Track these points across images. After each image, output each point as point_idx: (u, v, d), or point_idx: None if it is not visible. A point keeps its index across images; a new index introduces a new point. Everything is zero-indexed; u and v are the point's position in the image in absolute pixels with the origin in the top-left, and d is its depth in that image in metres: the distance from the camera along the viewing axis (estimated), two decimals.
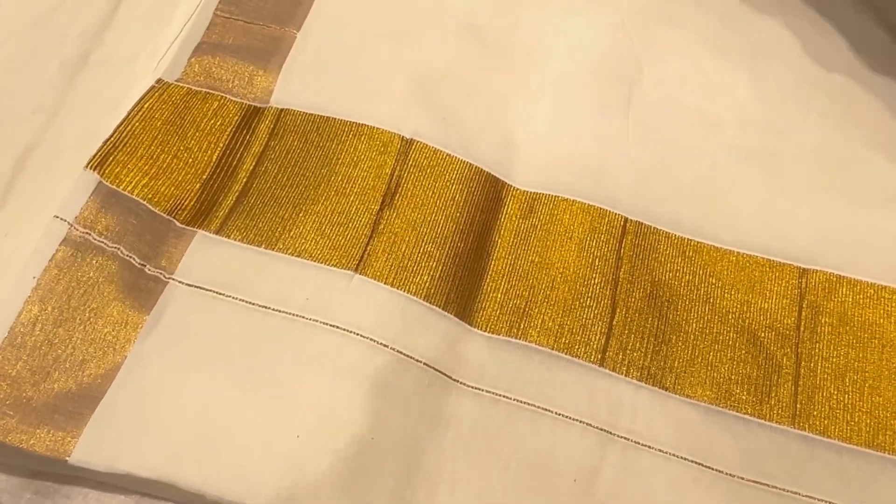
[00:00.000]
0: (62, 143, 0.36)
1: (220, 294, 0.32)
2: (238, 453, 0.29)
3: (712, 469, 0.30)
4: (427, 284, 0.33)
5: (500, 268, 0.34)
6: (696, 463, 0.30)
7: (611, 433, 0.31)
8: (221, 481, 0.28)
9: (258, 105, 0.37)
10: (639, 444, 0.30)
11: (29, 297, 0.31)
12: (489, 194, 0.36)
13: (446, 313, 0.33)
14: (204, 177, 0.35)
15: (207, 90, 0.37)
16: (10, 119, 0.36)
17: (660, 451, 0.30)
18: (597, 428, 0.31)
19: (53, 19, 0.39)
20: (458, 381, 0.32)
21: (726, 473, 0.30)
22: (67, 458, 0.28)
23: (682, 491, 0.29)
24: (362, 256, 0.33)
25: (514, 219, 0.35)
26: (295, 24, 0.40)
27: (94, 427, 0.29)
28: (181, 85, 0.37)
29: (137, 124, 0.35)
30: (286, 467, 0.29)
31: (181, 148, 0.35)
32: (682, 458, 0.30)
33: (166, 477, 0.28)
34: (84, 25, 0.39)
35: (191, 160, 0.35)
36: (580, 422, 0.31)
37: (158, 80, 0.37)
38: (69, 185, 0.35)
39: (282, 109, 0.37)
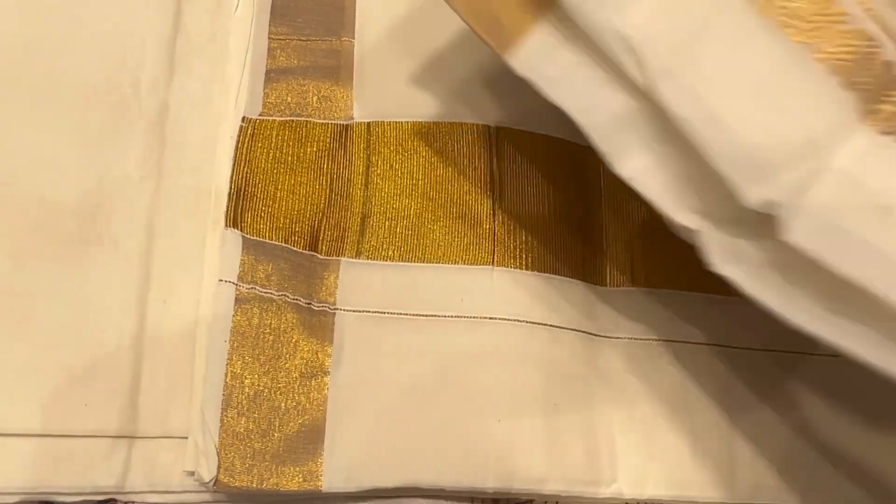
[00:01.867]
0: (177, 203, 0.38)
1: (384, 313, 0.36)
2: (446, 445, 0.34)
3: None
4: (552, 259, 0.38)
5: (611, 226, 0.39)
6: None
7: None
8: (454, 473, 0.33)
9: (344, 123, 0.40)
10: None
11: (228, 358, 0.34)
12: (575, 161, 0.40)
13: (574, 279, 0.38)
14: (322, 206, 0.38)
15: (291, 118, 0.39)
16: (121, 191, 0.37)
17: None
18: None
19: (122, 82, 0.39)
20: (602, 336, 0.37)
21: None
22: (321, 488, 0.33)
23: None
24: (493, 249, 0.37)
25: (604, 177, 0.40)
26: (347, 31, 0.42)
27: (330, 456, 0.33)
28: (266, 119, 0.39)
29: (246, 170, 0.38)
30: (498, 450, 0.34)
31: (292, 183, 0.38)
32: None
33: (409, 482, 0.33)
34: (151, 79, 0.40)
35: (304, 193, 0.38)
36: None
37: (244, 118, 0.39)
38: (200, 240, 0.37)
39: (368, 123, 0.40)
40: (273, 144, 0.38)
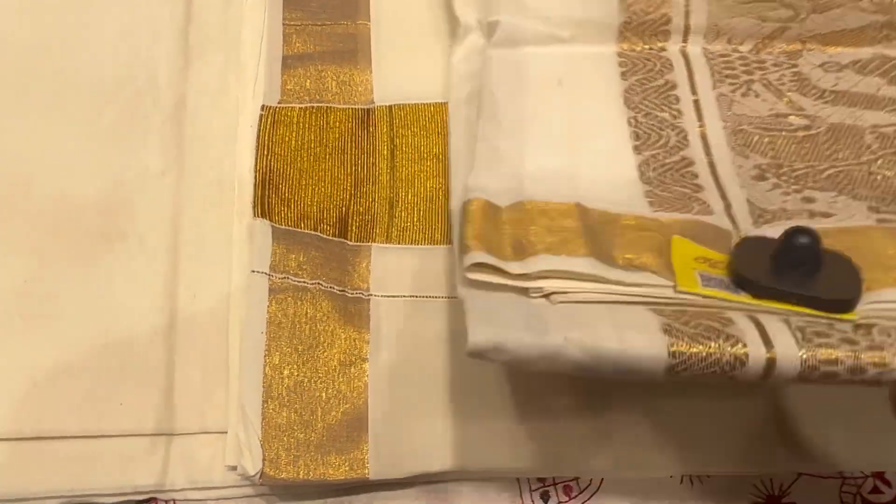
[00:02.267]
0: (200, 195, 0.37)
1: (418, 297, 0.35)
2: (491, 428, 0.33)
3: None
4: None
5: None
6: None
7: None
8: (500, 457, 0.33)
9: (365, 107, 0.39)
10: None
11: (266, 350, 0.33)
12: None
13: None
14: (349, 192, 0.37)
15: (311, 104, 0.39)
16: (143, 186, 0.37)
17: None
18: None
19: (139, 77, 0.38)
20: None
21: None
22: (368, 476, 0.32)
23: None
24: None
25: None
26: (362, 13, 0.41)
27: (375, 443, 0.33)
28: (286, 106, 0.38)
29: (270, 159, 0.37)
30: (540, 434, 0.33)
31: (317, 169, 0.37)
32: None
33: (455, 466, 0.33)
34: (168, 72, 0.39)
35: (330, 180, 0.37)
36: None
37: (263, 107, 0.38)
38: (226, 232, 0.36)
39: (390, 106, 0.39)
40: (295, 132, 0.38)
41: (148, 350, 0.34)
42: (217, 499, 0.34)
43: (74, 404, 0.33)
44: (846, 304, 0.28)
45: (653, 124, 0.36)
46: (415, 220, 0.37)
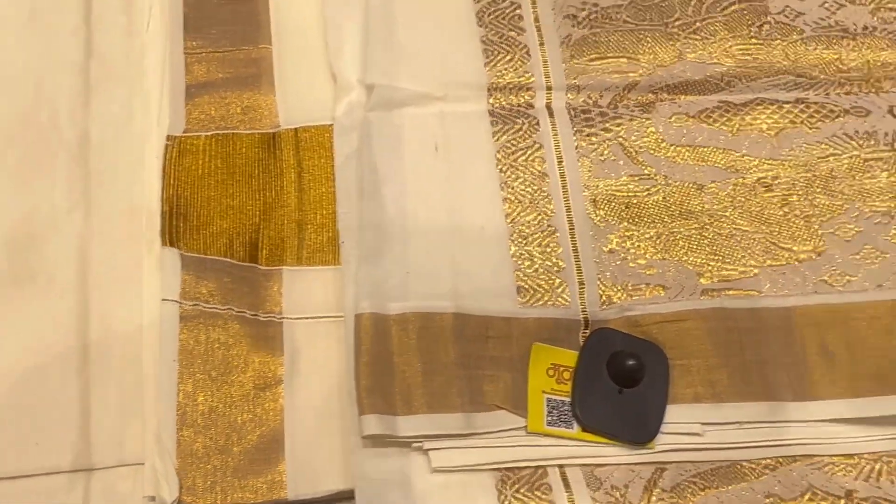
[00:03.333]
0: (109, 228, 0.37)
1: (329, 317, 0.36)
2: None
3: None
4: None
5: None
6: None
7: None
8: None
9: (271, 131, 0.39)
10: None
11: (179, 377, 0.34)
12: None
13: None
14: (259, 217, 0.38)
15: (216, 132, 0.39)
16: (51, 224, 0.37)
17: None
18: None
19: (40, 115, 0.39)
20: None
21: None
22: (287, 497, 0.33)
23: None
24: None
25: None
26: (264, 37, 0.42)
27: (292, 463, 0.33)
28: (191, 135, 0.39)
29: (177, 189, 0.37)
30: None
31: (226, 196, 0.38)
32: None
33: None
34: (69, 109, 0.39)
35: (239, 206, 0.38)
36: None
37: (168, 137, 0.38)
38: (137, 263, 0.37)
39: (295, 129, 0.39)
40: (201, 160, 0.38)
41: (62, 387, 0.34)
42: None
43: None
44: (646, 440, 0.34)
45: (522, 189, 0.38)
46: (324, 241, 0.37)
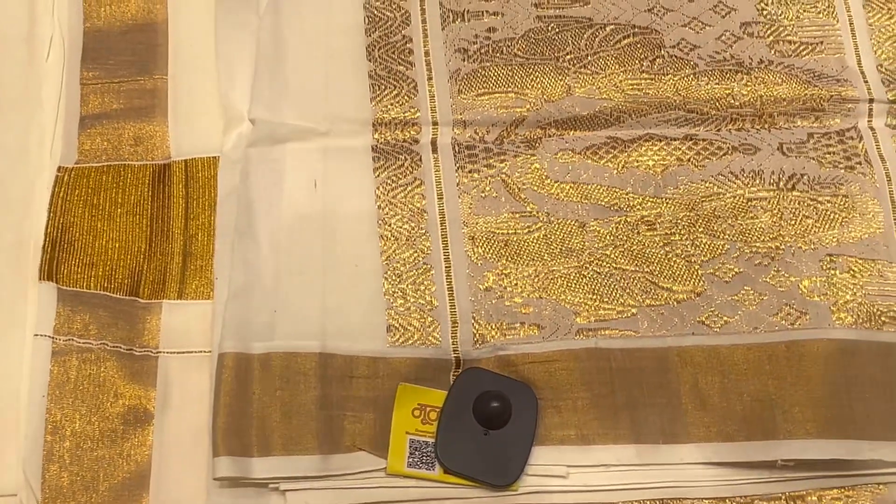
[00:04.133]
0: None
1: (207, 352, 0.36)
2: None
3: None
4: None
5: None
6: None
7: None
8: None
9: (162, 163, 0.40)
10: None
11: (48, 413, 0.34)
12: None
13: None
14: (144, 250, 0.38)
15: (107, 163, 0.39)
16: None
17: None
18: None
19: None
20: None
21: None
22: None
23: None
24: None
25: None
26: (160, 68, 0.42)
27: (155, 500, 0.34)
28: (83, 166, 0.39)
29: (62, 221, 0.38)
30: None
31: (111, 229, 0.38)
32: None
33: None
34: None
35: (125, 239, 0.38)
36: None
37: (59, 169, 0.39)
38: (23, 295, 0.37)
39: (186, 161, 0.40)
40: (90, 192, 0.39)
41: None
42: None
43: None
44: (507, 483, 0.34)
45: (399, 226, 0.38)
46: (208, 274, 0.38)
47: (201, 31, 0.42)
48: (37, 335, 0.35)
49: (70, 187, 0.38)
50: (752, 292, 0.37)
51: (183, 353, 0.36)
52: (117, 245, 0.38)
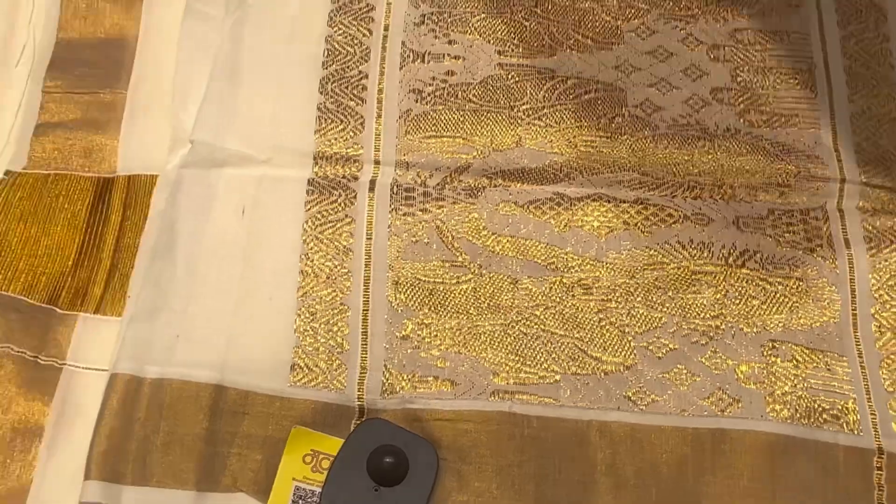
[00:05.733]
0: None
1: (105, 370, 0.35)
2: None
3: None
4: None
5: None
6: None
7: None
8: None
9: (107, 176, 0.40)
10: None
11: None
12: None
13: None
14: (72, 259, 0.38)
15: (56, 171, 0.39)
16: None
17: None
18: None
19: None
20: None
21: None
22: None
23: None
24: None
25: None
26: (122, 83, 0.42)
27: None
28: (29, 173, 0.39)
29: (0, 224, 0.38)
30: None
31: (43, 237, 0.38)
32: None
33: None
34: None
35: (55, 246, 0.38)
36: None
37: (7, 172, 0.39)
38: None
39: (129, 176, 0.40)
40: (31, 199, 0.39)
41: None
42: None
43: None
44: None
45: (321, 263, 0.36)
46: (127, 293, 0.37)
47: (168, 51, 0.42)
48: None
49: (13, 191, 0.39)
50: (684, 371, 0.34)
51: (89, 369, 0.36)
52: (46, 252, 0.38)
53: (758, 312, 0.35)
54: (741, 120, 0.39)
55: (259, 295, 0.36)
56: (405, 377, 0.35)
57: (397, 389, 0.34)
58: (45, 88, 0.42)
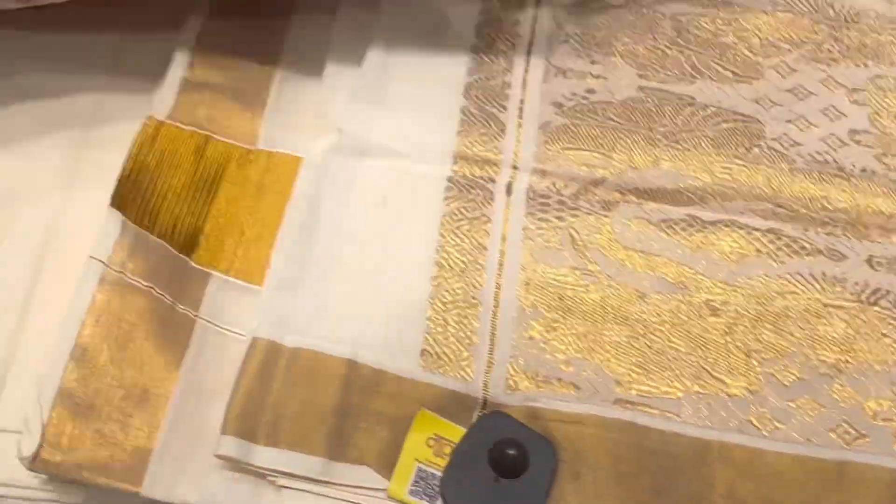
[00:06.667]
0: (84, 215, 0.40)
1: (237, 334, 0.36)
2: None
3: None
4: None
5: None
6: None
7: None
8: None
9: (245, 146, 0.41)
10: None
11: (78, 336, 0.34)
12: None
13: None
14: (207, 220, 0.39)
15: (196, 129, 0.41)
16: (31, 198, 0.40)
17: None
18: None
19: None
20: None
21: None
22: (140, 491, 0.33)
23: None
24: None
25: None
26: (272, 60, 0.44)
27: (158, 462, 0.33)
28: (172, 123, 0.40)
29: (142, 163, 0.39)
30: None
31: (183, 189, 0.39)
32: None
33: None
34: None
35: (193, 202, 0.39)
36: None
37: (149, 117, 0.40)
38: None
39: (270, 152, 0.41)
40: (173, 148, 0.40)
41: None
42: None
43: None
44: None
45: (456, 257, 0.37)
46: (260, 260, 0.38)
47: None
48: (91, 257, 0.36)
49: (155, 138, 0.40)
50: (811, 402, 0.34)
51: (218, 327, 0.37)
52: (184, 206, 0.39)
53: (889, 351, 0.35)
54: (879, 162, 0.39)
55: (394, 280, 0.37)
56: (528, 376, 0.35)
57: (520, 387, 0.35)
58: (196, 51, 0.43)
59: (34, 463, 0.32)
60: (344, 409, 0.34)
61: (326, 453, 0.33)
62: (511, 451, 0.33)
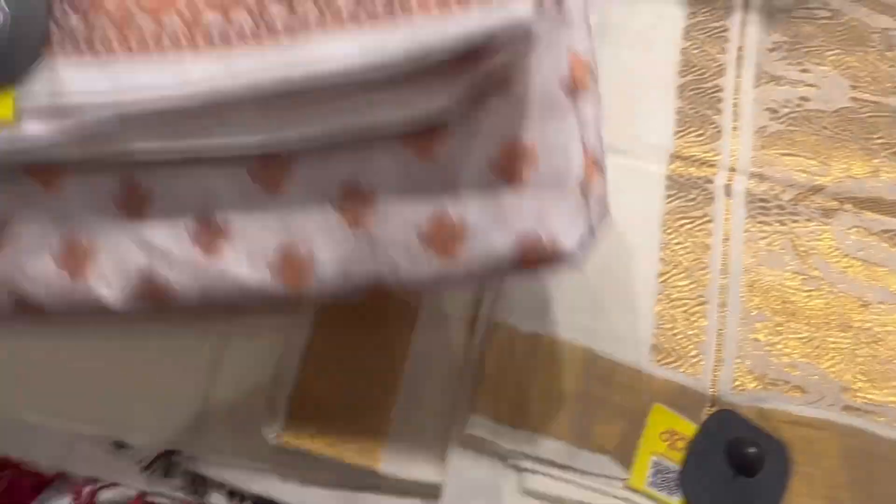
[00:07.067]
0: None
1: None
2: None
3: None
4: None
5: None
6: None
7: None
8: None
9: None
10: None
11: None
12: None
13: None
14: None
15: None
16: None
17: None
18: None
19: None
20: None
21: None
22: (377, 469, 0.33)
23: None
24: None
25: None
26: None
27: (394, 439, 0.34)
28: None
29: None
30: None
31: None
32: None
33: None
34: None
35: None
36: None
37: None
38: None
39: None
40: None
41: None
42: None
43: None
44: None
45: (681, 254, 0.38)
46: None
47: None
48: None
49: None
50: None
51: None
52: None
53: None
54: None
55: (621, 275, 0.37)
56: (755, 377, 0.35)
57: (748, 387, 0.35)
58: None
59: (280, 439, 0.33)
60: (584, 398, 0.34)
61: (572, 439, 0.33)
62: (751, 449, 0.33)
